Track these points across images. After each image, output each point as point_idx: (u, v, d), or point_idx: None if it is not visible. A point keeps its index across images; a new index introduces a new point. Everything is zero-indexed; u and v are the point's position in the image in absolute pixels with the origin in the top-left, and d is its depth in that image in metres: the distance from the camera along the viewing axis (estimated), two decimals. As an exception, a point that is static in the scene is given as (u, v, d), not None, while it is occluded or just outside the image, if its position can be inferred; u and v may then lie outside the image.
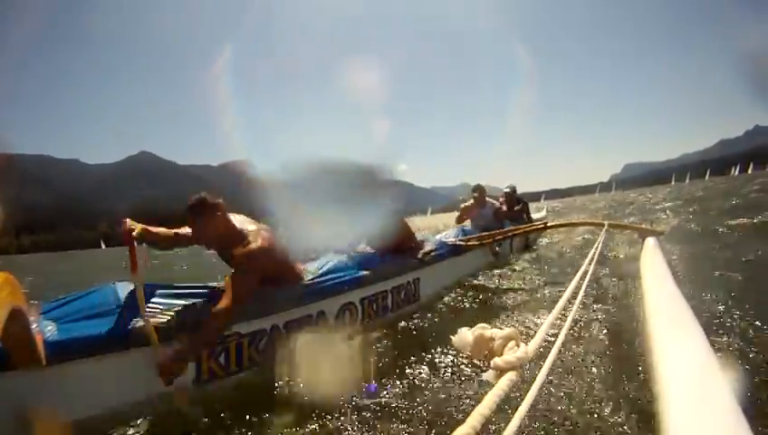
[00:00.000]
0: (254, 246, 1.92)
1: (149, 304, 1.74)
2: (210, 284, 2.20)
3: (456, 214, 5.10)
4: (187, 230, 2.04)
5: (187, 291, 1.94)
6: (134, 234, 1.70)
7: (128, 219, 1.72)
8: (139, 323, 1.65)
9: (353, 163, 1.77)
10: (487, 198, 5.01)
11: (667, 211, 9.57)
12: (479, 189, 5.01)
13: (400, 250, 3.05)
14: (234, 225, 2.02)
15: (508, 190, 5.87)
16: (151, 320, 1.68)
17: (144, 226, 1.79)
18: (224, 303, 1.77)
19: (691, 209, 9.19)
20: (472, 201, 4.96)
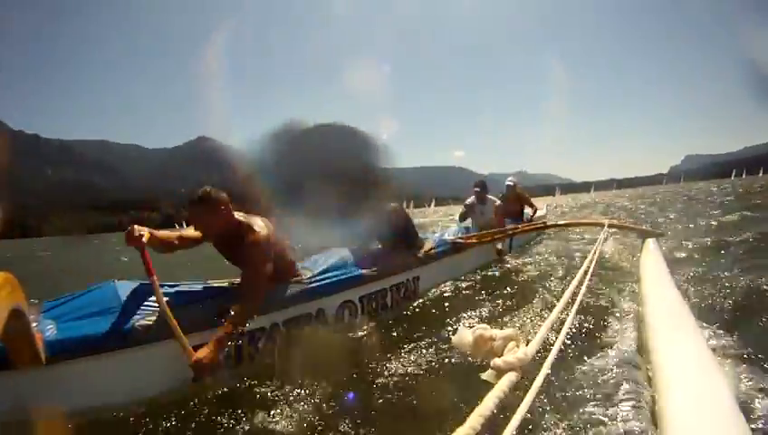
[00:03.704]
0: (261, 234, 1.96)
1: (147, 304, 1.74)
2: (209, 282, 2.20)
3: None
4: (191, 233, 2.04)
5: (186, 289, 1.94)
6: (143, 239, 1.72)
7: (135, 226, 1.75)
8: (139, 321, 1.65)
9: (342, 125, 1.67)
10: (489, 196, 4.94)
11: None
12: (480, 184, 4.94)
13: (402, 240, 3.05)
14: (237, 220, 2.01)
15: (510, 184, 5.71)
16: (151, 318, 1.68)
17: (150, 230, 1.81)
18: (249, 295, 1.84)
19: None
20: (473, 198, 4.91)
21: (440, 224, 11.43)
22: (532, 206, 5.83)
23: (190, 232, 2.05)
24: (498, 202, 4.93)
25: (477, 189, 4.86)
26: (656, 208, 11.91)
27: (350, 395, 1.63)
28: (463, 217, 4.95)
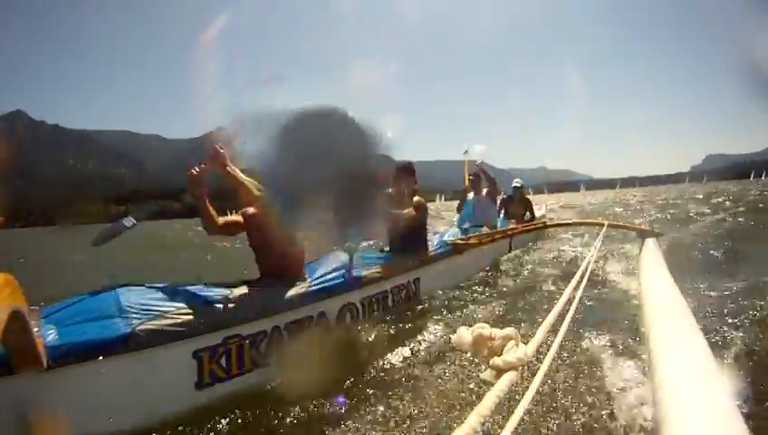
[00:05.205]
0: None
1: (149, 308, 1.75)
2: (210, 283, 2.20)
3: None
4: (232, 218, 2.24)
5: (201, 292, 1.94)
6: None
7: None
8: (141, 325, 1.65)
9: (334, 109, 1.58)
10: (485, 189, 4.93)
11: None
12: (476, 174, 4.94)
13: (413, 246, 3.04)
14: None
15: (517, 185, 5.66)
16: (153, 322, 1.69)
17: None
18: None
19: None
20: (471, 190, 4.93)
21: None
22: (532, 212, 5.81)
23: (232, 218, 2.25)
24: (502, 196, 4.96)
25: (471, 177, 4.89)
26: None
27: (342, 399, 1.63)
28: (459, 209, 4.96)
